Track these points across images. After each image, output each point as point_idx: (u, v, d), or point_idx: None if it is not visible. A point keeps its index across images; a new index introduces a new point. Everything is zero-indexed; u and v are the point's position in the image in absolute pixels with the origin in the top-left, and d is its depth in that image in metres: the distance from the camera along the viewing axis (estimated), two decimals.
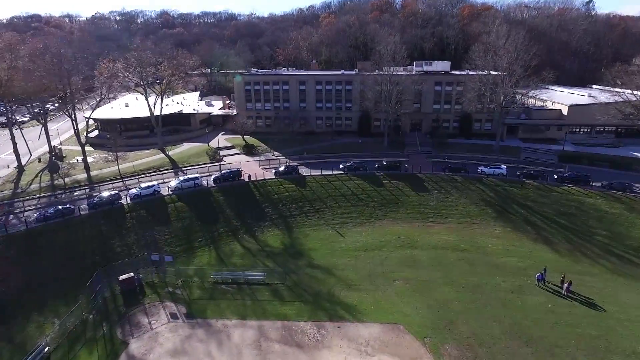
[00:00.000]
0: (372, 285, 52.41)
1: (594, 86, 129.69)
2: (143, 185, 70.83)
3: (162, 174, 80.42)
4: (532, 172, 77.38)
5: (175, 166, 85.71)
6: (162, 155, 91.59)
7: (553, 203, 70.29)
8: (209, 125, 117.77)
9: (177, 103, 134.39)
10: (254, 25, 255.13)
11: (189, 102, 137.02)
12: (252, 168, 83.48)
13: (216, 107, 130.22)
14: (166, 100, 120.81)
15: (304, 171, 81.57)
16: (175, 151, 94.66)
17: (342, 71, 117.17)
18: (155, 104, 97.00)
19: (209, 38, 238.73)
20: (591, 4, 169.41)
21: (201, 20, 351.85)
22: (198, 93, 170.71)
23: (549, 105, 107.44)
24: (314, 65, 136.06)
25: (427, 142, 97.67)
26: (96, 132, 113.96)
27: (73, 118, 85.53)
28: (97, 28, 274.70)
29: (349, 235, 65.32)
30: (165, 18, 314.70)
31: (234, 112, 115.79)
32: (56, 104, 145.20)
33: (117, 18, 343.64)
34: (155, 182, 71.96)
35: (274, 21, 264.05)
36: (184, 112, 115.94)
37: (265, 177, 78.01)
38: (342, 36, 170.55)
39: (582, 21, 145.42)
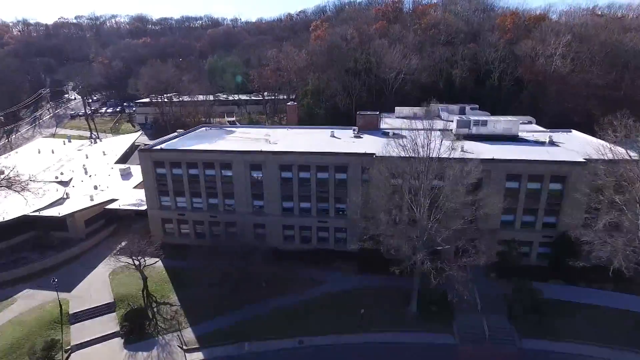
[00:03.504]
0: None
1: None
2: None
3: None
4: None
5: None
6: None
7: None
8: (110, 224, 67.43)
9: (83, 167, 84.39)
10: (233, 34, 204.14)
11: (101, 167, 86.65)
12: None
13: (136, 179, 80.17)
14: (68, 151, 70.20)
15: None
16: None
17: (332, 132, 66.76)
18: None
19: (175, 52, 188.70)
20: None
21: (183, 25, 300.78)
22: (138, 134, 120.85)
23: None
24: (291, 109, 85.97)
25: (496, 299, 47.17)
26: None
27: None
28: (48, 37, 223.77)
29: None
30: (135, 25, 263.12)
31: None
32: None
33: (86, 23, 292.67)
34: None
35: (258, 30, 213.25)
36: (52, 209, 64.58)
37: None
38: (337, 54, 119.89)
39: None
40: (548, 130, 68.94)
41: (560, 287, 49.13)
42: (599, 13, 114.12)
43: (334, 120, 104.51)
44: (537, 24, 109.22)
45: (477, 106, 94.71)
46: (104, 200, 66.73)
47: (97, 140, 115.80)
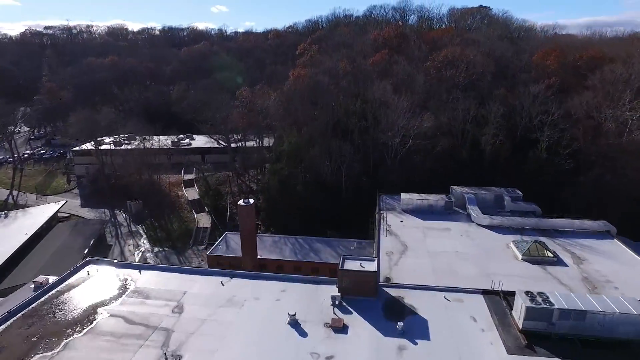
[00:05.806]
0: None
1: None
2: None
3: None
4: None
5: None
6: None
7: None
8: None
9: None
10: (209, 55, 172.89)
11: None
12: None
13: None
14: None
15: None
16: None
17: (294, 316, 35.62)
18: None
19: (139, 76, 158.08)
20: None
21: (166, 35, 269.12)
22: (60, 204, 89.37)
23: None
24: (245, 211, 54.46)
25: None
26: None
27: None
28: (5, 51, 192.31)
29: None
30: (105, 40, 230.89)
31: None
32: None
33: (57, 34, 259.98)
34: None
35: (239, 49, 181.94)
36: None
37: None
38: (321, 97, 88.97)
39: None
40: None
41: None
42: None
43: (315, 199, 74.05)
44: (593, 64, 78.21)
45: (520, 193, 64.85)
46: None
47: (4, 214, 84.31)
